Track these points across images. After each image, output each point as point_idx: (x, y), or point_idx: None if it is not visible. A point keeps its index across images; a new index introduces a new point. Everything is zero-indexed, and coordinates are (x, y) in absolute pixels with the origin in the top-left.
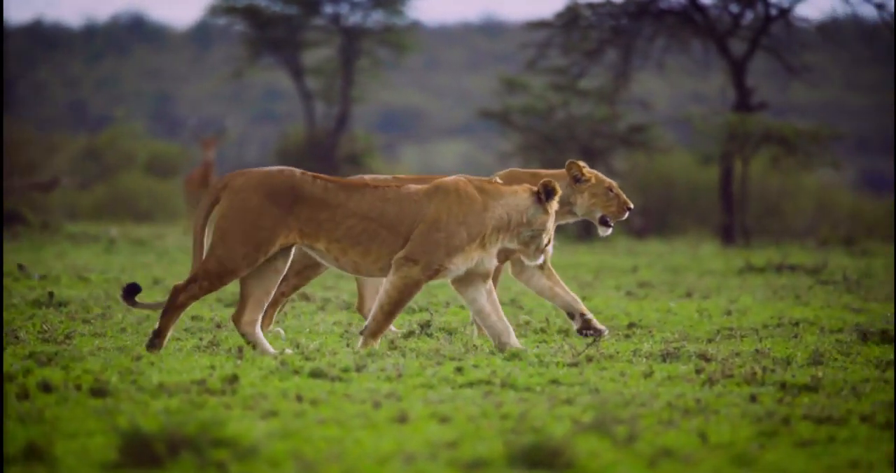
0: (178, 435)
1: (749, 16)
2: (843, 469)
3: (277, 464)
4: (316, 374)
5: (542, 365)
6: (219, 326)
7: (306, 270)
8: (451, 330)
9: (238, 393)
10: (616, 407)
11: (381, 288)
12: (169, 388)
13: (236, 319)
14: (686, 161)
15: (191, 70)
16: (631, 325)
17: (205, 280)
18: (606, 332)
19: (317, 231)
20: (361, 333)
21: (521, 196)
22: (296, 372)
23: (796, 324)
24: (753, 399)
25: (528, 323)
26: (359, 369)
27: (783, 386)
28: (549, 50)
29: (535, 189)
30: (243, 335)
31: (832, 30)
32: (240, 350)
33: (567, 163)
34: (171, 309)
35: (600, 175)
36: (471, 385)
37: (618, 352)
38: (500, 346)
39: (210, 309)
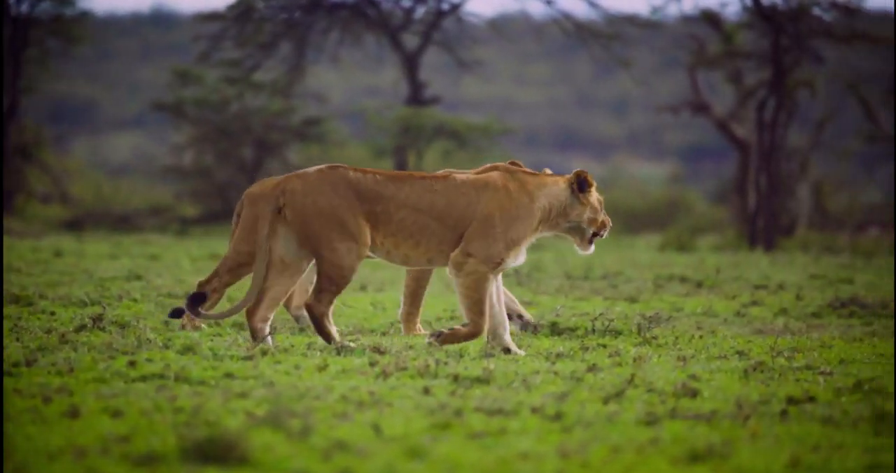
0: None
1: (421, 11)
2: (514, 461)
3: None
4: None
5: (217, 358)
6: None
7: (239, 268)
8: (123, 324)
9: None
10: (290, 401)
11: (458, 295)
12: None
13: (251, 313)
14: (360, 154)
15: None
16: None
17: (331, 286)
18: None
19: (375, 224)
20: (435, 336)
21: (560, 186)
22: None
23: None
24: (427, 391)
25: None
26: (29, 363)
27: (456, 378)
28: (222, 42)
29: (571, 179)
30: (253, 330)
31: (502, 25)
32: None
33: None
34: (319, 324)
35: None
36: (144, 379)
37: (292, 346)
38: (495, 337)
39: None
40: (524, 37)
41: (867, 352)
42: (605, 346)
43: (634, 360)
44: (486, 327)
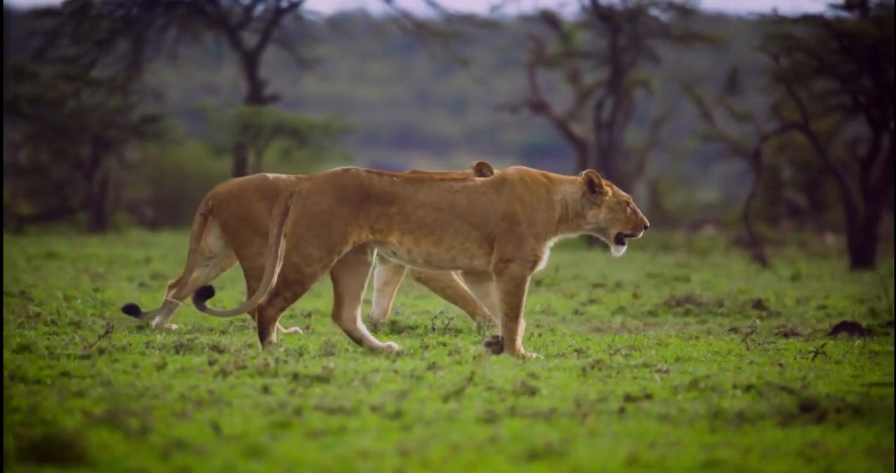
0: None
1: (260, 8)
2: (354, 459)
3: None
4: None
5: (53, 357)
6: None
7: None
8: None
9: None
10: (128, 399)
11: (497, 300)
12: None
13: (336, 317)
14: (199, 152)
15: None
16: None
17: (287, 291)
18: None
19: (389, 225)
20: (488, 345)
21: (575, 185)
22: None
23: (309, 315)
24: (266, 390)
25: (38, 314)
26: None
27: (295, 376)
28: (58, 39)
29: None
30: (347, 332)
31: (341, 23)
32: None
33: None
34: (264, 326)
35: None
36: None
37: (130, 344)
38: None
39: None
40: (363, 35)
41: (703, 350)
42: (444, 344)
43: (474, 358)
44: (520, 332)
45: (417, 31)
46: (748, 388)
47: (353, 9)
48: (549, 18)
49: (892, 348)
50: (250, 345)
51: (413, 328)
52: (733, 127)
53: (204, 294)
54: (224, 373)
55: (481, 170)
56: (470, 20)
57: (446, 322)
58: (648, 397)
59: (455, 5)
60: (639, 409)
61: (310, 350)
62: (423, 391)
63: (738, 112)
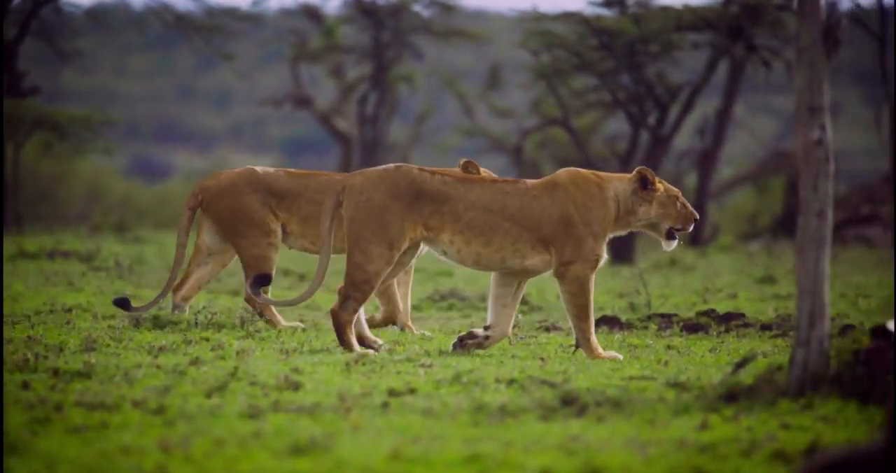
0: None
1: (16, 0)
2: (115, 455)
3: None
4: None
5: None
6: None
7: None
8: None
9: None
10: None
11: (563, 302)
12: None
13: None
14: None
15: None
16: None
17: (356, 292)
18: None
19: (441, 223)
20: (577, 346)
21: (625, 182)
22: None
23: (69, 311)
24: (26, 385)
25: None
26: None
27: (56, 372)
28: None
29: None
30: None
31: (101, 15)
32: None
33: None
34: (342, 330)
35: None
36: None
37: None
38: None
39: None
40: (124, 27)
41: None
42: (207, 340)
43: (238, 353)
44: (593, 329)
45: (178, 25)
46: (510, 382)
47: (113, 1)
48: (311, 13)
49: (650, 341)
50: (10, 341)
51: (175, 323)
52: (495, 122)
53: (260, 281)
54: None
55: (468, 168)
56: (232, 14)
57: (209, 317)
58: (412, 391)
59: None
60: (402, 403)
61: (70, 345)
62: (186, 386)
63: (499, 108)
